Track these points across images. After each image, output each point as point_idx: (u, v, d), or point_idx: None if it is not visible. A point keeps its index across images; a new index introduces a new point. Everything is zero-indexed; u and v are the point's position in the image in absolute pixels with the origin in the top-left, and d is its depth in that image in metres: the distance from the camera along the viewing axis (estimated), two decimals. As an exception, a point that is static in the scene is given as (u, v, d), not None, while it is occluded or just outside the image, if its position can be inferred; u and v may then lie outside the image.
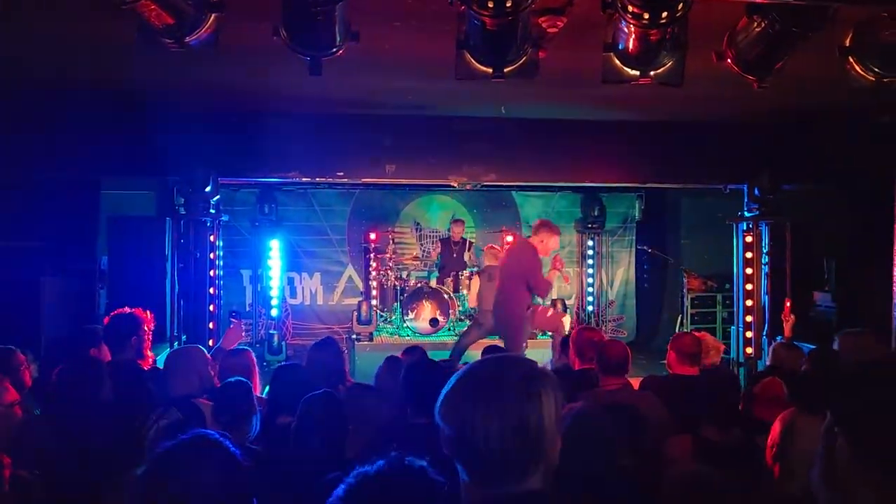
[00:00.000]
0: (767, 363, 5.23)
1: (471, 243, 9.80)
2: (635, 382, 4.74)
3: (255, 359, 4.48)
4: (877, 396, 1.27)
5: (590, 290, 10.50)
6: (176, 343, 6.76)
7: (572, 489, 2.01)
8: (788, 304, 6.44)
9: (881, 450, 1.24)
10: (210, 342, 6.96)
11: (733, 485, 2.17)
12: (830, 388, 1.39)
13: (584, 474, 2.04)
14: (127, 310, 4.37)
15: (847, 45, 3.96)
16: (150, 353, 4.50)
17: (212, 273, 7.21)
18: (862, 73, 3.91)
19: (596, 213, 10.19)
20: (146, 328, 4.36)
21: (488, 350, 5.63)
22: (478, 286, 8.36)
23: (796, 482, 2.47)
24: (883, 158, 2.35)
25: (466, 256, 9.63)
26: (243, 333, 7.80)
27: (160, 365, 4.79)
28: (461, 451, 1.46)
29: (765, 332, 7.47)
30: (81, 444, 2.83)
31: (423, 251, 10.25)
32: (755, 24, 3.62)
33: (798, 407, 2.89)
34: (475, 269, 9.21)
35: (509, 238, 10.02)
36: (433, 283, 9.27)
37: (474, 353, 7.33)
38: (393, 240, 9.72)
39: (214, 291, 7.27)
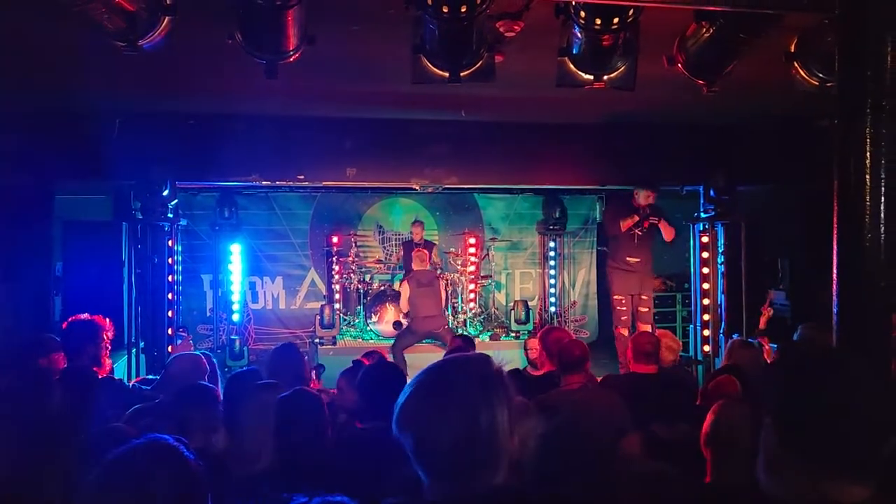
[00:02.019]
0: (723, 360, 5.35)
1: (433, 245, 9.81)
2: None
3: (214, 362, 4.45)
4: (794, 389, 1.35)
5: (552, 290, 10.58)
6: (134, 350, 6.65)
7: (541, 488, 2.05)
8: (770, 296, 6.63)
9: (800, 438, 1.32)
10: (169, 349, 6.88)
11: (683, 479, 2.22)
12: (762, 381, 1.47)
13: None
14: (86, 316, 4.31)
15: (792, 50, 4.09)
16: (107, 361, 4.44)
17: (170, 278, 7.11)
18: (806, 77, 4.04)
19: (557, 215, 10.26)
20: (105, 336, 4.30)
21: (452, 352, 5.68)
22: (407, 292, 8.22)
23: (728, 471, 2.56)
24: (829, 160, 2.46)
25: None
26: (192, 349, 7.72)
27: (118, 373, 4.73)
28: (423, 458, 1.48)
29: (721, 330, 7.63)
30: (28, 455, 2.77)
31: (386, 254, 10.24)
32: (704, 29, 3.72)
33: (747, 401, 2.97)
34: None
35: (472, 240, 10.07)
36: (397, 285, 9.27)
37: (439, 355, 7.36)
38: (355, 243, 9.69)
39: (173, 297, 7.18)
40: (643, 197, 7.63)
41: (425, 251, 8.78)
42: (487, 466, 1.47)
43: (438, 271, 9.16)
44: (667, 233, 7.77)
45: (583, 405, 3.67)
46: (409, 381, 1.60)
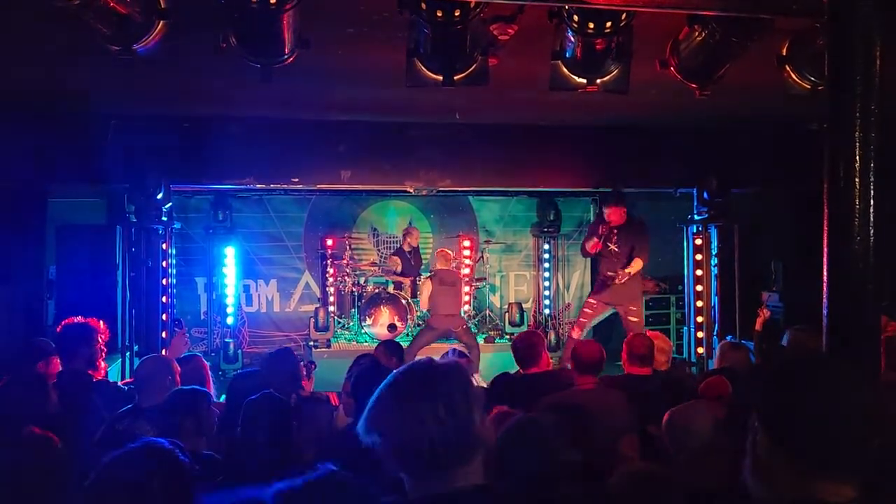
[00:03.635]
0: (715, 362, 5.37)
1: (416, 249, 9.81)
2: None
3: (206, 364, 4.46)
4: (784, 392, 1.37)
5: (546, 293, 10.61)
6: (128, 353, 6.64)
7: (516, 487, 2.06)
8: (765, 298, 6.62)
9: (790, 440, 1.33)
10: (163, 352, 6.86)
11: (676, 480, 2.24)
12: (751, 385, 1.48)
13: (526, 473, 2.09)
14: (81, 319, 4.31)
15: (784, 54, 4.12)
16: (102, 364, 4.43)
17: (164, 281, 7.10)
18: (798, 81, 4.07)
19: (552, 218, 10.29)
20: (99, 339, 4.30)
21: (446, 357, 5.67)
22: (429, 290, 8.25)
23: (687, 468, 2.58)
24: (820, 163, 2.49)
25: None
26: (188, 342, 7.72)
27: (111, 377, 4.72)
28: (400, 458, 1.49)
29: (715, 332, 7.65)
30: (27, 458, 2.77)
31: (381, 257, 10.25)
32: (696, 33, 3.74)
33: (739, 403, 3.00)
34: (428, 273, 9.23)
35: (466, 243, 10.08)
36: (391, 288, 9.27)
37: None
38: (350, 246, 9.69)
39: (167, 300, 7.17)
40: (607, 214, 7.42)
41: (449, 252, 8.78)
42: (467, 461, 1.49)
43: (426, 273, 9.20)
44: (634, 265, 7.48)
45: (600, 403, 3.73)
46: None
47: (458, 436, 1.47)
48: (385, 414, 1.51)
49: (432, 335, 8.17)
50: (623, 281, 7.43)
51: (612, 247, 7.54)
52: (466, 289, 9.74)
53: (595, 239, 7.47)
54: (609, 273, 7.56)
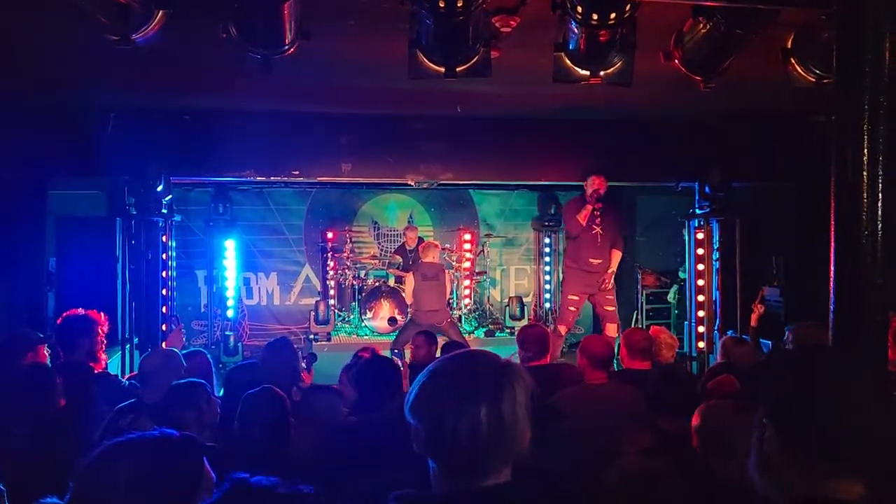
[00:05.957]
0: (717, 357, 5.35)
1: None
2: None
3: (210, 361, 4.43)
4: (795, 388, 1.35)
5: (547, 287, 10.59)
6: (127, 346, 6.63)
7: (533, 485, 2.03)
8: (763, 293, 6.61)
9: (802, 436, 1.31)
10: (163, 345, 6.85)
11: (674, 476, 2.22)
12: (758, 380, 1.45)
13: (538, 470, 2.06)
14: (81, 311, 4.29)
15: (789, 46, 4.08)
16: (103, 357, 4.42)
17: (164, 274, 7.08)
18: (803, 73, 4.04)
19: (552, 212, 10.26)
20: (100, 331, 4.28)
21: (448, 347, 5.69)
22: (411, 285, 8.07)
23: (720, 470, 2.56)
24: (824, 157, 2.46)
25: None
26: (184, 338, 7.71)
27: (111, 369, 4.69)
28: (437, 448, 1.45)
29: (716, 327, 7.63)
30: (30, 455, 2.76)
31: (382, 250, 10.23)
32: (700, 25, 3.71)
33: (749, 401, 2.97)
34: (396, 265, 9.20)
35: (467, 237, 10.06)
36: (391, 282, 9.26)
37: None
38: (350, 239, 9.68)
39: (167, 293, 7.15)
40: (589, 183, 7.40)
41: (436, 244, 8.69)
42: (503, 461, 1.45)
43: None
44: (615, 260, 7.65)
45: (614, 398, 3.72)
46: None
47: (487, 438, 1.41)
48: (423, 400, 1.47)
49: (416, 331, 8.10)
50: (610, 283, 7.52)
51: (597, 228, 7.49)
52: (466, 282, 9.73)
53: (588, 207, 7.36)
54: (592, 260, 7.51)
